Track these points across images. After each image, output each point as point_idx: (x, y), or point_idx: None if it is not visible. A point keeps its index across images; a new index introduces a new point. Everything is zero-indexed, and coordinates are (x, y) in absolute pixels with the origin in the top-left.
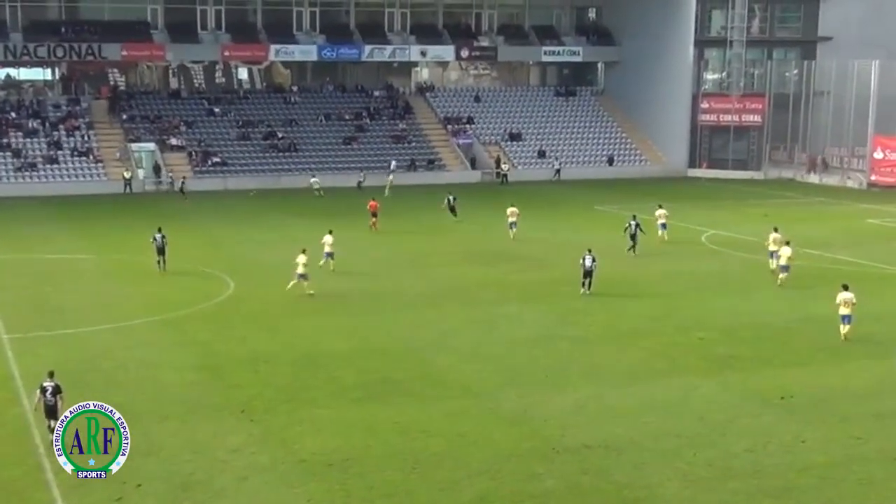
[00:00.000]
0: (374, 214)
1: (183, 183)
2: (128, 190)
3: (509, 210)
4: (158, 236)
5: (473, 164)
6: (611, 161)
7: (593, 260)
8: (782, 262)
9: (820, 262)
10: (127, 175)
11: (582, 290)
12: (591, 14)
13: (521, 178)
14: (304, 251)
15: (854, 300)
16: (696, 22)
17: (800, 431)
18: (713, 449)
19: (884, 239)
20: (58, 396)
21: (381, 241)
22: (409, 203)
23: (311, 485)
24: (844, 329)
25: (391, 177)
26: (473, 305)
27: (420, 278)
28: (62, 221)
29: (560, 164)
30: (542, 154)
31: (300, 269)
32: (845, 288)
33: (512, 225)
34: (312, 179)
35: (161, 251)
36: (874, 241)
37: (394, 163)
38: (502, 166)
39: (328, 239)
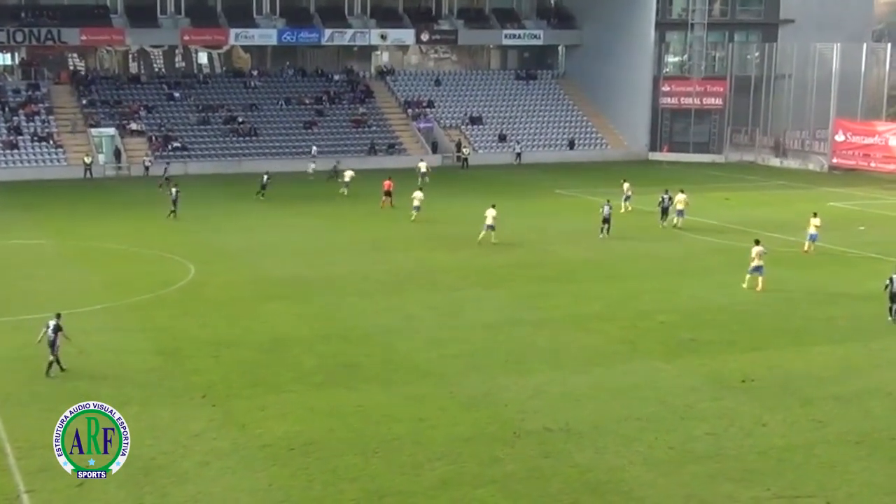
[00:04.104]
0: (388, 193)
1: (166, 171)
2: (88, 175)
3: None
4: (174, 190)
5: (434, 148)
6: (572, 145)
7: (610, 208)
8: (679, 207)
9: (782, 245)
10: (87, 160)
11: (601, 236)
12: None
13: (481, 162)
14: (493, 205)
15: (765, 252)
16: (658, 4)
17: (760, 415)
18: (674, 432)
19: (846, 222)
20: (57, 334)
21: (343, 226)
22: (369, 188)
23: (274, 469)
24: (757, 282)
25: (423, 163)
26: (435, 290)
27: (381, 263)
28: (23, 207)
29: (521, 147)
30: (502, 138)
31: (489, 221)
32: (757, 242)
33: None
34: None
35: (174, 202)
36: (837, 225)
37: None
38: (463, 150)
39: (491, 212)
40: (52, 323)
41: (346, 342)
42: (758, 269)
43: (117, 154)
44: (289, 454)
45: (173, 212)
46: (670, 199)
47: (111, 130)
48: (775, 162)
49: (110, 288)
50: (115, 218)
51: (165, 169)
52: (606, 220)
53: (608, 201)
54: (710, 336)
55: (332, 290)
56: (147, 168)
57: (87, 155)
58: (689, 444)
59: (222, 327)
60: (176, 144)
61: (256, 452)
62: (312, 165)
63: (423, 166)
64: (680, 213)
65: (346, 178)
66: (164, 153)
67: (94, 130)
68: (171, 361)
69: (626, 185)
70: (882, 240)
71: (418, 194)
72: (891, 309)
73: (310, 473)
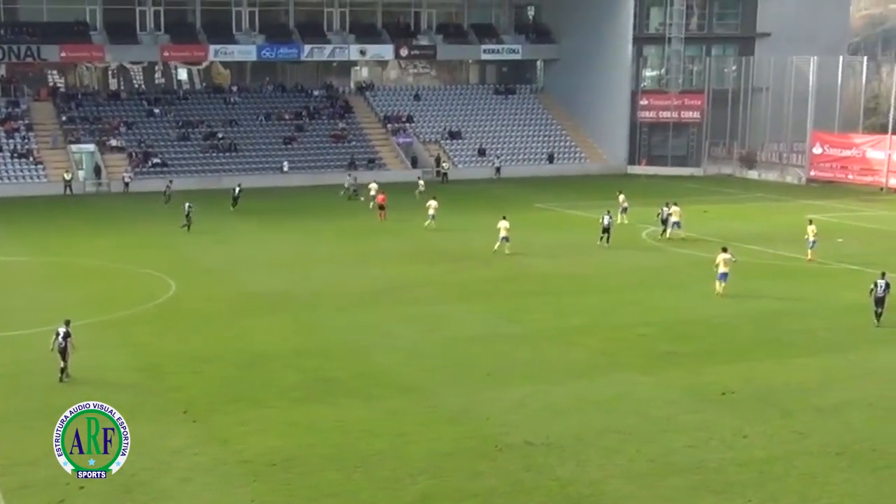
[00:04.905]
0: (382, 207)
1: (168, 188)
2: (68, 191)
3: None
4: (187, 205)
5: (414, 163)
6: (551, 159)
7: (611, 218)
8: (674, 218)
9: (761, 257)
10: (67, 176)
11: (599, 244)
12: (530, 12)
13: (461, 177)
14: (504, 217)
15: (734, 259)
16: (635, 19)
17: (741, 427)
18: (654, 445)
19: (824, 234)
20: (67, 340)
21: (323, 240)
22: (349, 203)
23: (255, 485)
24: (720, 287)
25: (421, 181)
26: (415, 304)
27: (361, 278)
28: (2, 223)
29: (500, 162)
30: (482, 152)
31: (503, 233)
32: (724, 250)
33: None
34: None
35: (187, 216)
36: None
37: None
38: (442, 165)
39: (504, 224)
40: (61, 330)
41: (327, 357)
42: (723, 275)
43: (97, 170)
44: (270, 470)
45: (185, 225)
46: (670, 212)
47: (91, 147)
48: (753, 174)
49: (90, 304)
50: (96, 234)
51: (168, 186)
52: (606, 230)
53: (608, 212)
54: (690, 348)
55: (312, 304)
56: (127, 184)
57: (67, 171)
58: (670, 457)
59: (203, 343)
60: (156, 160)
61: (237, 468)
62: (349, 180)
63: (421, 183)
64: (676, 224)
65: (372, 192)
66: (144, 169)
67: (73, 147)
68: (152, 377)
69: (621, 197)
70: (860, 251)
71: (433, 203)
72: (876, 313)
73: (291, 489)
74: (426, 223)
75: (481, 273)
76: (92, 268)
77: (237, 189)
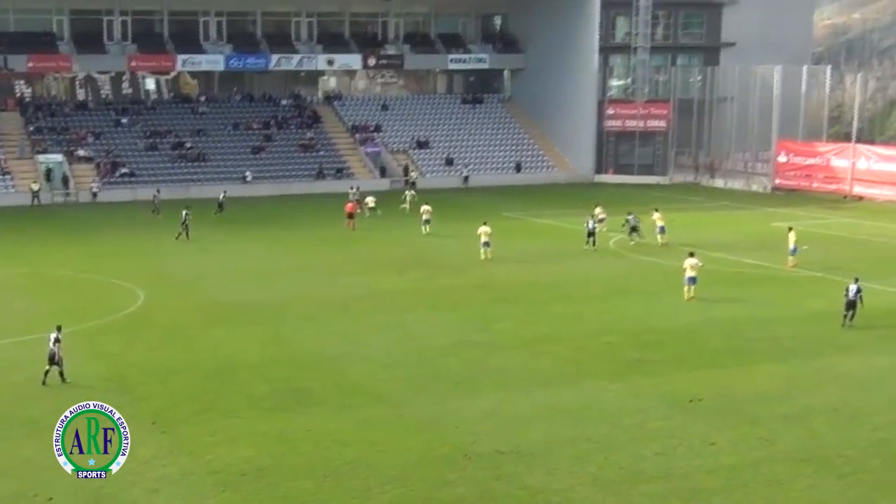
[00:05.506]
0: (351, 216)
1: (155, 198)
2: (36, 202)
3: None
4: (185, 212)
5: (382, 172)
6: (518, 168)
7: (594, 224)
8: (660, 223)
9: (725, 265)
10: (35, 187)
11: (585, 247)
12: (497, 22)
13: (429, 186)
14: (485, 223)
15: (700, 264)
16: (601, 29)
17: (708, 434)
18: (623, 452)
19: (788, 242)
20: (57, 346)
21: (292, 249)
22: (318, 212)
23: (224, 495)
24: (690, 291)
25: (411, 191)
26: (385, 313)
27: (331, 287)
28: None
29: (468, 171)
30: (449, 161)
31: (483, 238)
32: (691, 255)
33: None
34: (369, 198)
35: (184, 224)
36: (779, 244)
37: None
38: (410, 174)
39: (484, 229)
40: (52, 336)
41: (297, 366)
42: (692, 279)
43: (65, 180)
44: (240, 480)
45: (181, 234)
46: (636, 219)
47: (59, 157)
48: (719, 183)
49: (58, 315)
50: (64, 244)
51: (155, 196)
52: (591, 234)
53: (592, 216)
54: (658, 356)
55: (281, 314)
56: (95, 194)
57: (35, 181)
58: (639, 465)
59: (171, 353)
60: (124, 170)
61: (207, 479)
62: (352, 192)
63: (408, 195)
64: (661, 229)
65: (372, 205)
66: (112, 179)
67: (41, 157)
68: (120, 388)
69: (597, 210)
70: (824, 258)
71: (427, 207)
72: (845, 316)
73: (261, 499)
74: (424, 230)
75: (451, 281)
76: (61, 278)
77: (222, 195)
